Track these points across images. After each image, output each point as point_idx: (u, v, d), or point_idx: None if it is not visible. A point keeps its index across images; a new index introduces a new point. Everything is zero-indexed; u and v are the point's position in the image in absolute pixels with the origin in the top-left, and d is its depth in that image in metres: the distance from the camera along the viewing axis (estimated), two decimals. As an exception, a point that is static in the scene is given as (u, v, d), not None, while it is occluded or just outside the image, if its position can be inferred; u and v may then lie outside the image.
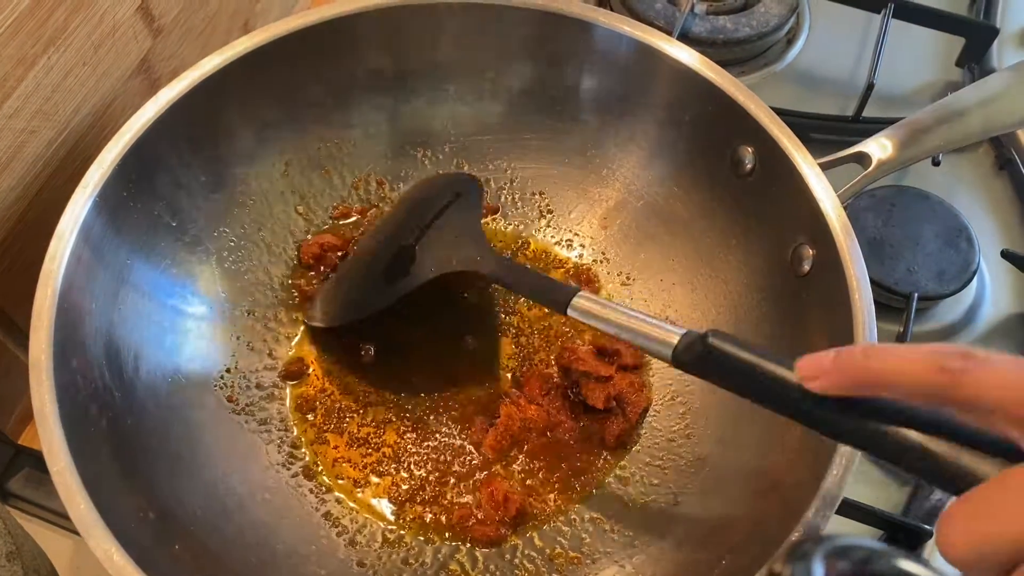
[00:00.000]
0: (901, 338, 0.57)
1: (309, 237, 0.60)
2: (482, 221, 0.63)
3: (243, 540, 0.48)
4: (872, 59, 0.69)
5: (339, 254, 0.60)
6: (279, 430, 0.54)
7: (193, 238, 0.55)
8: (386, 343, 0.58)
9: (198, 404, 0.52)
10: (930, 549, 0.52)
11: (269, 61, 0.55)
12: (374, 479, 0.53)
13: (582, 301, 0.47)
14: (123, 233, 0.50)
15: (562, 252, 0.63)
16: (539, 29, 0.58)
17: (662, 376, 0.57)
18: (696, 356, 0.38)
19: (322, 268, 0.60)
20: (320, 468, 0.53)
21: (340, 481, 0.53)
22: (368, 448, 0.54)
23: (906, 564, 0.31)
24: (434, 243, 0.55)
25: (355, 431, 0.55)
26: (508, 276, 0.53)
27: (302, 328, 0.58)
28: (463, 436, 0.55)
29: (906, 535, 0.52)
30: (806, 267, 0.50)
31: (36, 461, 0.53)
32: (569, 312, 0.47)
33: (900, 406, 0.31)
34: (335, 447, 0.54)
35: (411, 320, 0.58)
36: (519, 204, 0.64)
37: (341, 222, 0.62)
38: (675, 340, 0.40)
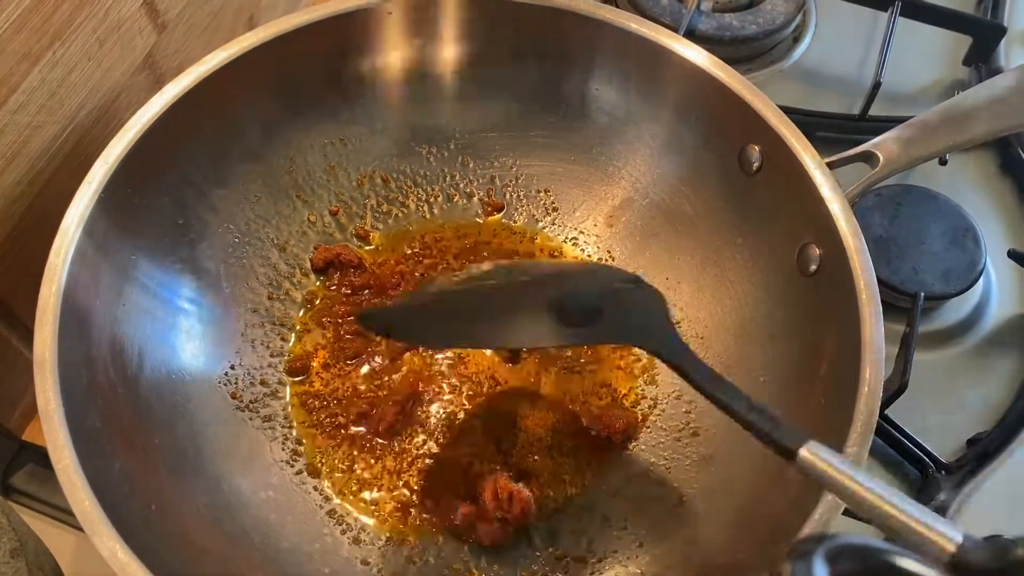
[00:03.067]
0: (907, 338, 0.57)
1: (323, 243, 0.60)
2: (487, 219, 0.63)
3: (247, 538, 0.48)
4: (879, 57, 0.69)
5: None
6: (283, 427, 0.54)
7: (198, 234, 0.55)
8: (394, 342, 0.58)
9: (202, 401, 0.52)
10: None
11: (274, 57, 0.54)
12: (378, 476, 0.53)
13: (813, 456, 0.37)
14: (128, 229, 0.49)
15: (568, 250, 0.62)
16: (546, 26, 0.58)
17: (667, 374, 0.57)
18: (996, 567, 0.31)
19: (331, 271, 0.60)
20: (324, 466, 0.53)
21: (344, 478, 0.53)
22: (371, 445, 0.54)
23: (908, 563, 0.31)
24: (626, 309, 0.47)
25: (359, 428, 0.55)
26: (713, 387, 0.43)
27: (306, 325, 0.58)
28: (468, 434, 0.55)
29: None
30: (813, 267, 0.50)
31: (40, 457, 0.52)
32: (798, 463, 0.37)
33: None
34: (339, 444, 0.54)
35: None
36: (524, 201, 0.63)
37: (364, 246, 0.62)
38: (951, 547, 0.32)
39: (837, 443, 0.42)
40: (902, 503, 0.34)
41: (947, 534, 0.32)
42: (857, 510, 0.35)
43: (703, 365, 0.44)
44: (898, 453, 0.56)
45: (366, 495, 0.52)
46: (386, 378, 0.57)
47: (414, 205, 0.63)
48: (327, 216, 0.61)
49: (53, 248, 0.45)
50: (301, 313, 0.59)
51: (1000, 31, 0.74)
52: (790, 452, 0.38)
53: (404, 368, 0.57)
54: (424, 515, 0.52)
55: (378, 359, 0.57)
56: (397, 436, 0.54)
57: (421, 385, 0.56)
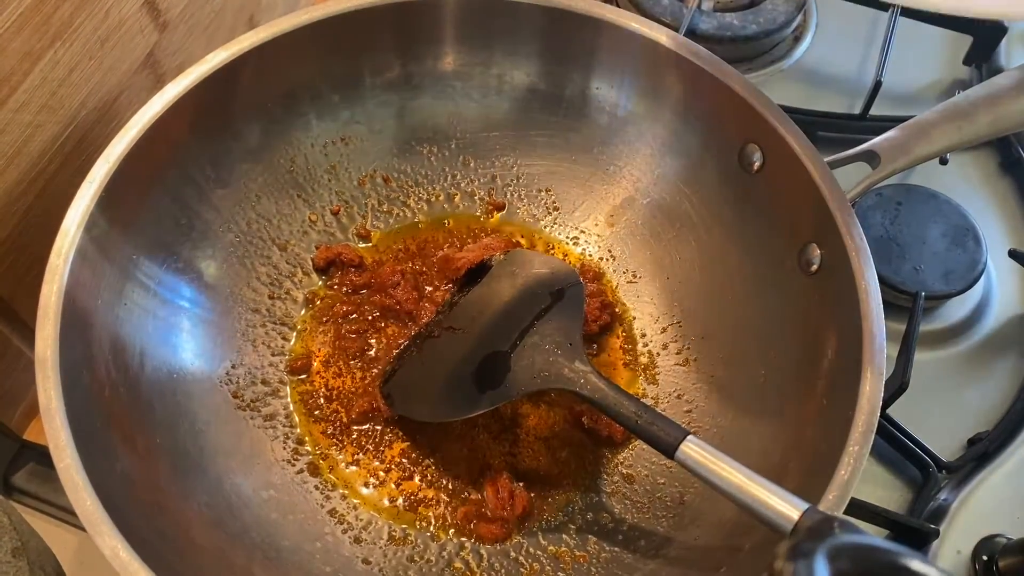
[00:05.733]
0: (908, 337, 0.57)
1: (324, 243, 0.60)
2: (488, 219, 0.63)
3: (249, 537, 0.48)
4: (879, 57, 0.69)
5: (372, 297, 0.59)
6: (284, 426, 0.54)
7: (199, 234, 0.55)
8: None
9: (203, 400, 0.52)
10: (935, 549, 0.52)
11: (274, 57, 0.54)
12: (379, 475, 0.53)
13: (692, 448, 0.43)
14: (129, 229, 0.49)
15: (568, 249, 0.62)
16: (546, 25, 0.58)
17: (668, 374, 0.57)
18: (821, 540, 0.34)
19: (332, 270, 0.60)
20: (325, 464, 0.53)
21: (345, 478, 0.53)
22: (373, 444, 0.54)
23: (909, 563, 0.31)
24: (531, 354, 0.51)
25: (360, 427, 0.55)
26: (609, 402, 0.47)
27: (307, 324, 0.58)
28: (470, 433, 0.55)
29: (911, 535, 0.52)
30: (814, 266, 0.50)
31: (41, 456, 0.53)
32: (677, 457, 0.43)
33: None
34: (340, 443, 0.54)
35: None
36: (525, 201, 0.63)
37: (361, 244, 0.62)
38: (795, 516, 0.37)
39: (839, 442, 0.42)
40: (757, 481, 0.40)
41: (788, 509, 0.38)
42: (724, 492, 0.41)
43: (598, 383, 0.48)
44: (899, 452, 0.56)
45: (367, 494, 0.52)
46: (387, 377, 0.57)
47: (415, 204, 0.63)
48: (328, 215, 0.61)
49: (54, 248, 0.45)
50: (302, 312, 0.59)
51: (1000, 31, 0.74)
52: (669, 448, 0.43)
53: (405, 367, 0.57)
54: (425, 514, 0.52)
55: (380, 358, 0.57)
56: (398, 435, 0.54)
57: (422, 384, 0.56)
